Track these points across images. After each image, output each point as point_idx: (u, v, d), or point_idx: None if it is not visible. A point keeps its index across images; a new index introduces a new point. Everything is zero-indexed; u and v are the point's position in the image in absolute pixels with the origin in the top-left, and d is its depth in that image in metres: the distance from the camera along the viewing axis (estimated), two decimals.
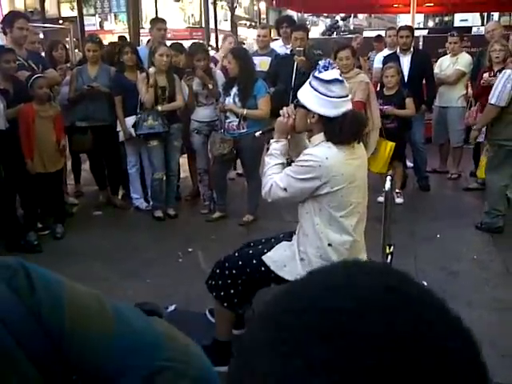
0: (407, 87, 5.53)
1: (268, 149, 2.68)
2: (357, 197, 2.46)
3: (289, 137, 2.58)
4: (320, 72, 2.41)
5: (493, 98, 4.49)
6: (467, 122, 6.01)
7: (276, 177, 2.48)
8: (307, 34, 5.53)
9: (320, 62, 2.46)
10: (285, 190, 2.45)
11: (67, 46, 5.72)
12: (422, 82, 5.96)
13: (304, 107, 2.45)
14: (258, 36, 6.00)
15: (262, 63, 5.49)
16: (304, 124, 2.49)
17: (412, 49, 5.99)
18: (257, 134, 2.92)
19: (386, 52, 6.73)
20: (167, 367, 0.78)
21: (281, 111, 2.55)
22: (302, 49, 5.18)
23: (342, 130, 2.36)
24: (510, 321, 3.19)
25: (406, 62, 5.88)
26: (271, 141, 2.63)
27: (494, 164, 4.66)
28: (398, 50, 6.05)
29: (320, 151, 2.37)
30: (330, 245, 2.43)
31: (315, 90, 2.40)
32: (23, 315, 0.67)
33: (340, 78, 2.41)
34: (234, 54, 4.80)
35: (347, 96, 2.45)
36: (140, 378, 0.74)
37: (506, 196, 4.78)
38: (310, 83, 2.45)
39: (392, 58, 5.93)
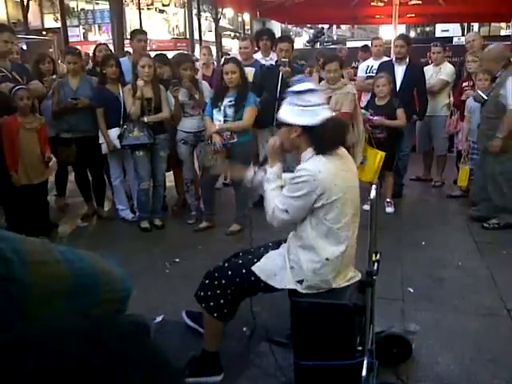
0: (399, 96, 5.59)
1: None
2: (351, 207, 2.48)
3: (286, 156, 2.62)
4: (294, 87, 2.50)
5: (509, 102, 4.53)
6: (448, 131, 6.13)
7: (276, 200, 2.51)
8: (292, 45, 5.57)
9: (295, 79, 2.55)
10: (286, 211, 2.47)
11: (54, 59, 5.66)
12: (413, 91, 5.98)
13: (285, 124, 2.50)
14: (240, 48, 6.03)
15: (247, 74, 5.51)
16: (290, 141, 2.52)
17: (407, 59, 6.00)
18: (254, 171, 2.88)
19: (371, 61, 6.81)
20: (104, 300, 0.87)
21: (269, 140, 2.58)
22: (287, 60, 5.21)
23: (325, 137, 2.40)
24: (495, 326, 3.22)
25: (400, 71, 5.90)
26: (267, 166, 2.67)
27: None
28: (394, 59, 6.10)
29: (312, 165, 2.40)
30: (327, 259, 2.45)
31: (291, 104, 2.47)
32: None
33: (313, 88, 2.47)
34: (237, 63, 4.80)
35: (324, 104, 2.50)
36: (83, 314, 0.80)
37: None
38: (286, 100, 2.52)
39: (387, 66, 5.99)
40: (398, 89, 5.80)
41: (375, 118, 5.16)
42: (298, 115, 2.44)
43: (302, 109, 2.43)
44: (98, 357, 0.42)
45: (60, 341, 0.44)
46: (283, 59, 5.21)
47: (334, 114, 4.73)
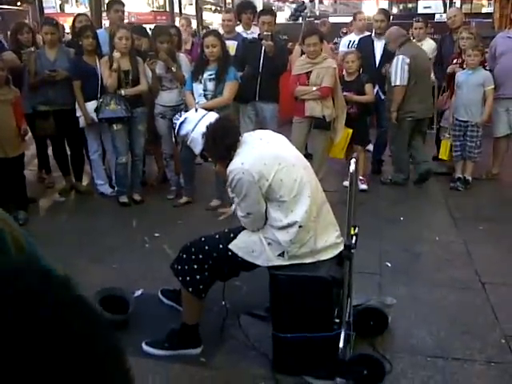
0: (378, 71, 5.62)
1: None
2: (295, 167, 2.51)
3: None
4: (177, 124, 2.92)
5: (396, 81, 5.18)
6: (438, 107, 6.11)
7: (237, 213, 2.61)
8: (275, 19, 5.48)
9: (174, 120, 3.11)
10: (248, 214, 2.52)
11: (33, 29, 5.45)
12: None
13: (204, 157, 2.83)
14: (223, 20, 5.92)
15: (229, 48, 5.40)
16: (218, 166, 2.68)
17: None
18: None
19: (353, 36, 6.76)
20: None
21: None
22: (269, 33, 5.14)
23: (219, 146, 2.53)
24: (469, 300, 3.29)
25: (379, 46, 5.84)
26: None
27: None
28: (373, 34, 6.02)
29: (233, 164, 2.47)
30: (300, 226, 2.46)
31: (192, 139, 2.82)
32: None
33: (182, 120, 2.87)
34: (218, 36, 4.73)
35: (194, 128, 2.79)
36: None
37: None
38: (190, 137, 2.84)
39: (366, 41, 5.95)
40: (377, 64, 5.78)
41: (344, 93, 5.15)
42: (197, 145, 2.76)
43: (192, 137, 2.79)
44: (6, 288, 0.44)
45: None
46: (266, 33, 5.13)
47: (314, 88, 4.75)
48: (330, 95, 4.85)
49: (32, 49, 5.21)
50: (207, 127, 2.60)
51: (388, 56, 5.68)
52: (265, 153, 2.49)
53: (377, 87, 5.66)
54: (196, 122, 2.77)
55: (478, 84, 5.25)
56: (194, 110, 2.94)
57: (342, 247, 2.56)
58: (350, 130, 5.16)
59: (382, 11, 6.41)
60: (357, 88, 5.29)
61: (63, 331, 0.43)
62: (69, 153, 5.49)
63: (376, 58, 5.80)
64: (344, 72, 5.51)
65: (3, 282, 0.44)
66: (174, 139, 5.09)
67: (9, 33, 6.36)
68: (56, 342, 0.42)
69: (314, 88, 4.78)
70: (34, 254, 1.15)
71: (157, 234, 4.35)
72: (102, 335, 0.47)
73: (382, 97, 5.73)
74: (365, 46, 5.86)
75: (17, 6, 20.46)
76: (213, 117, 2.75)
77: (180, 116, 2.94)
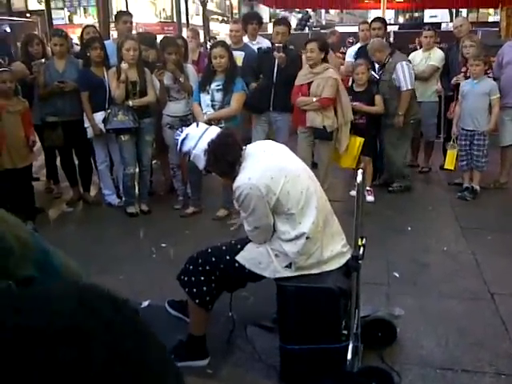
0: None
1: None
2: (301, 178, 2.52)
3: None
4: (179, 141, 2.83)
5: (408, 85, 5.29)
6: (449, 115, 6.07)
7: (244, 227, 2.60)
8: (289, 29, 5.45)
9: (175, 137, 3.00)
10: (256, 228, 2.51)
11: (43, 41, 5.47)
12: None
13: (207, 170, 2.78)
14: (231, 31, 5.93)
15: (236, 58, 5.38)
16: (223, 179, 2.73)
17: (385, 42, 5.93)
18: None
19: (359, 46, 6.77)
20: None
21: None
22: (281, 45, 5.13)
23: (222, 163, 2.54)
24: (478, 311, 3.27)
25: None
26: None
27: None
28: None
29: (240, 179, 2.46)
30: (307, 237, 2.45)
31: (195, 156, 2.75)
32: None
33: (184, 136, 2.80)
34: (226, 47, 4.74)
35: (199, 135, 2.73)
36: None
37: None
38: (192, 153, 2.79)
39: (365, 51, 5.94)
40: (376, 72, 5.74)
41: (354, 103, 5.15)
42: (200, 161, 2.71)
43: (195, 154, 2.73)
44: (88, 319, 0.41)
45: (50, 301, 0.43)
46: (278, 44, 5.13)
47: (314, 99, 4.74)
48: (330, 105, 4.85)
49: (42, 60, 5.26)
50: (209, 144, 2.59)
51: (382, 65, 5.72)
52: (270, 166, 2.49)
53: None
54: (197, 139, 2.72)
55: (484, 93, 5.25)
56: (194, 125, 2.89)
57: (348, 256, 2.55)
58: (362, 139, 5.13)
59: (379, 19, 6.43)
60: (367, 99, 5.28)
61: (147, 362, 0.42)
62: (76, 163, 5.53)
63: (375, 66, 5.77)
64: (350, 81, 5.52)
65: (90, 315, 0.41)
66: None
67: (18, 44, 6.42)
68: (142, 373, 0.41)
69: (314, 99, 4.79)
70: (44, 250, 1.15)
71: (164, 245, 4.35)
72: (171, 361, 0.46)
73: None
74: (364, 55, 5.82)
75: (26, 17, 20.70)
76: (214, 132, 2.72)
77: (181, 132, 2.88)
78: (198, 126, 2.88)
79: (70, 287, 0.48)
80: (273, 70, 5.16)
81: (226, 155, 2.52)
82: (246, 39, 6.05)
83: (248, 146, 2.67)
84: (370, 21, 6.82)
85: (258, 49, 5.63)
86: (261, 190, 2.38)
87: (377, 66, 5.67)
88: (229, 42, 5.74)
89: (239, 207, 2.53)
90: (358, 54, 6.01)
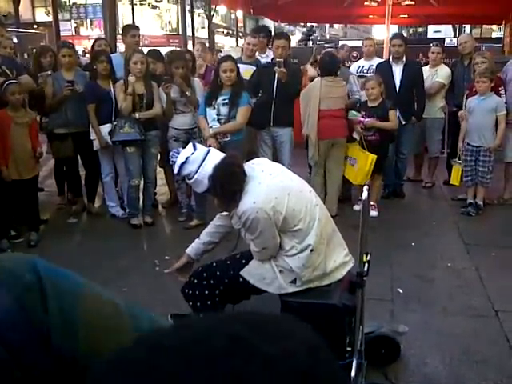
0: (398, 97, 5.56)
1: None
2: (302, 193, 2.53)
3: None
4: (176, 164, 2.65)
5: None
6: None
7: (251, 247, 2.56)
8: (289, 43, 5.45)
9: (171, 158, 2.77)
10: (264, 248, 2.51)
11: (56, 53, 5.50)
12: (413, 91, 5.88)
13: (206, 191, 2.62)
14: (248, 44, 5.86)
15: (246, 72, 5.34)
16: (218, 204, 2.63)
17: (404, 58, 5.89)
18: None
19: (362, 62, 6.81)
20: None
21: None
22: (282, 60, 5.13)
23: (227, 192, 2.46)
24: (483, 328, 3.25)
25: (398, 71, 5.81)
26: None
27: None
28: (391, 59, 5.99)
29: (245, 204, 2.43)
30: (312, 250, 2.46)
31: (196, 180, 2.60)
32: (30, 338, 0.59)
33: (183, 160, 2.62)
34: (234, 61, 4.75)
35: (198, 169, 2.58)
36: None
37: None
38: (194, 178, 2.63)
39: (384, 67, 5.93)
40: (397, 89, 5.74)
41: (367, 119, 5.14)
42: (199, 185, 2.61)
43: (195, 178, 2.59)
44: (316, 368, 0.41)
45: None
46: (278, 59, 5.15)
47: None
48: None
49: (48, 72, 5.31)
50: (214, 171, 2.48)
51: (411, 80, 5.72)
52: (272, 186, 2.47)
53: (397, 112, 5.44)
54: (199, 163, 2.59)
55: (491, 109, 5.26)
56: (191, 147, 2.69)
57: (351, 265, 2.56)
58: (375, 156, 5.08)
59: (399, 36, 6.37)
60: (381, 114, 5.19)
61: None
62: (82, 173, 5.55)
63: (396, 82, 5.76)
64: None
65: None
66: None
67: (25, 55, 6.47)
68: None
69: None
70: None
71: (167, 257, 4.34)
72: None
73: (403, 122, 5.69)
74: (383, 71, 5.77)
75: (33, 29, 20.91)
76: (217, 157, 2.57)
77: (177, 154, 2.69)
78: (195, 147, 2.70)
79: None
80: (273, 85, 5.18)
81: (232, 185, 2.45)
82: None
83: (245, 167, 2.56)
84: (373, 36, 6.85)
85: (256, 64, 5.64)
86: (267, 212, 2.38)
87: None
88: (236, 54, 5.76)
89: (246, 231, 2.51)
90: (377, 71, 5.96)
